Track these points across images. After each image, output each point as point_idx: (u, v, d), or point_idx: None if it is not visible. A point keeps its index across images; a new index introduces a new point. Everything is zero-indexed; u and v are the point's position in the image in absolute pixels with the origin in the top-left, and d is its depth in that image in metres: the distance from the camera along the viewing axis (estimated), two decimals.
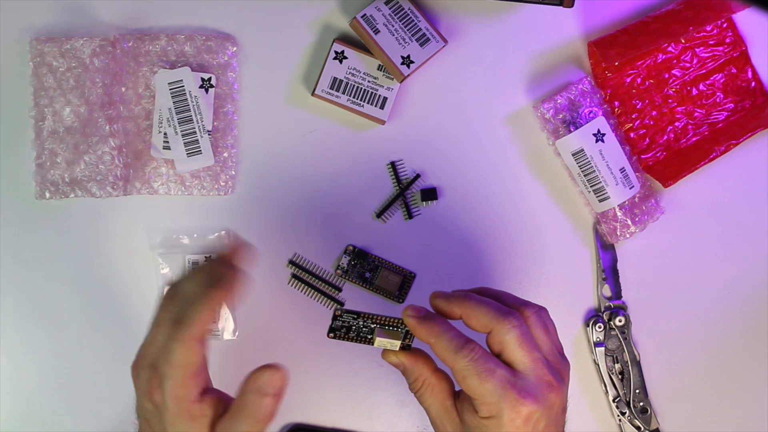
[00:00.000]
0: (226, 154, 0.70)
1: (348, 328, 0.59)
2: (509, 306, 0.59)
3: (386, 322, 0.59)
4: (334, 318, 0.59)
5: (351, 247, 0.71)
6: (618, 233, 0.72)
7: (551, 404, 0.57)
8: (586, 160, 0.70)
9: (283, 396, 0.56)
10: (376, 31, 0.69)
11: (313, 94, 0.70)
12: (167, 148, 0.69)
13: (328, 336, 0.59)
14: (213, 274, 0.57)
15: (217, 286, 0.56)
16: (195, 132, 0.69)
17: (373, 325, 0.59)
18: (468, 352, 0.56)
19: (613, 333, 0.73)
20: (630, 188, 0.71)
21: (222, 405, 0.56)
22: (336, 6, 0.71)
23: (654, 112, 0.73)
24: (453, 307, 0.59)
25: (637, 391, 0.72)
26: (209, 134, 0.69)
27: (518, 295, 0.68)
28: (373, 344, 0.59)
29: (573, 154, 0.70)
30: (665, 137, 0.74)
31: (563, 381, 0.59)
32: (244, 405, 0.55)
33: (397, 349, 0.59)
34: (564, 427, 0.59)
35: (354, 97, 0.70)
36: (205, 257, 0.70)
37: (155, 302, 0.57)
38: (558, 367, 0.59)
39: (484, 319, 0.57)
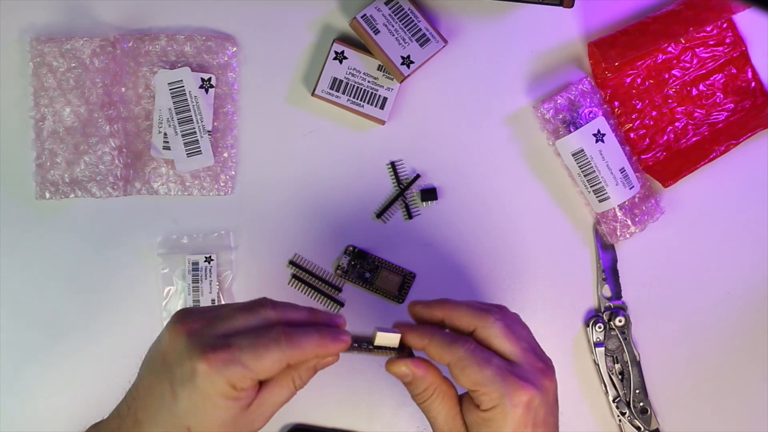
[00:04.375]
0: (226, 154, 0.70)
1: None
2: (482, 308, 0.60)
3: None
4: None
5: (351, 248, 0.71)
6: (618, 233, 0.72)
7: (547, 390, 0.58)
8: (586, 160, 0.70)
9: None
10: (376, 32, 0.69)
11: (313, 94, 0.70)
12: (167, 148, 0.69)
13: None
14: (321, 321, 0.57)
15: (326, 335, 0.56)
16: (195, 132, 0.69)
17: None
18: (463, 343, 0.57)
19: (613, 333, 0.73)
20: (630, 188, 0.71)
21: (257, 391, 0.56)
22: (336, 6, 0.71)
23: (654, 113, 0.73)
24: (434, 311, 0.60)
25: (637, 391, 0.72)
26: (209, 134, 0.69)
27: (518, 296, 0.69)
28: (373, 343, 0.58)
29: (573, 154, 0.70)
30: (665, 137, 0.74)
31: (552, 369, 0.59)
32: (295, 375, 0.56)
33: (396, 345, 0.58)
34: (558, 418, 0.60)
35: (354, 97, 0.70)
36: (205, 257, 0.70)
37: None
38: (544, 357, 0.60)
39: (467, 317, 0.59)
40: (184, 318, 0.55)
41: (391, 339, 0.58)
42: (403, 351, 0.59)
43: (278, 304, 0.56)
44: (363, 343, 0.58)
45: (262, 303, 0.56)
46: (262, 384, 0.55)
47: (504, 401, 0.56)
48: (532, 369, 0.58)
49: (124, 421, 0.56)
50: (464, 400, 0.59)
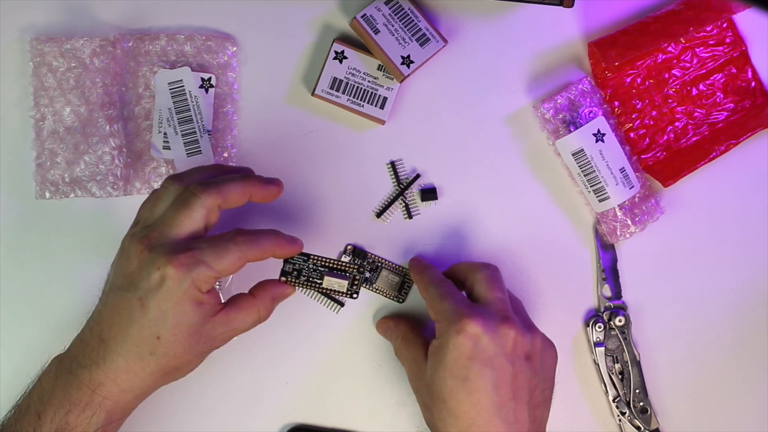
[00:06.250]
0: (226, 154, 0.70)
1: (299, 272, 0.65)
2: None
3: (335, 266, 0.66)
4: (286, 262, 0.65)
5: (350, 247, 0.71)
6: (618, 233, 0.72)
7: (504, 335, 0.60)
8: (586, 160, 0.70)
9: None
10: (376, 31, 0.69)
11: (313, 94, 0.70)
12: (167, 148, 0.69)
13: (279, 280, 0.65)
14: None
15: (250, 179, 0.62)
16: (195, 132, 0.69)
17: (322, 269, 0.65)
18: (440, 282, 0.64)
19: (613, 333, 0.73)
20: (630, 188, 0.71)
21: (220, 303, 0.61)
22: (336, 6, 0.71)
23: (654, 112, 0.74)
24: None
25: (637, 391, 0.72)
26: (209, 134, 0.69)
27: (518, 295, 0.69)
28: (322, 285, 0.65)
29: (573, 154, 0.70)
30: (665, 137, 0.74)
31: (528, 328, 0.62)
32: (260, 305, 0.62)
33: (345, 290, 0.66)
34: (539, 389, 0.62)
35: (354, 97, 0.70)
36: None
37: None
38: (528, 323, 0.63)
39: (463, 269, 0.66)
40: (137, 236, 0.59)
41: (338, 286, 0.66)
42: (355, 284, 0.66)
43: (206, 183, 0.60)
44: (315, 282, 0.65)
45: (192, 191, 0.59)
46: (229, 305, 0.61)
47: (450, 328, 0.60)
48: (495, 312, 0.61)
49: (88, 344, 0.59)
50: (432, 348, 0.62)
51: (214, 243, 0.58)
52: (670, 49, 0.73)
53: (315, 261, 0.65)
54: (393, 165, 0.72)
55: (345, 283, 0.66)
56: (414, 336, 0.67)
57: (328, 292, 0.66)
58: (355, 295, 0.66)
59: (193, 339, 0.58)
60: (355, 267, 0.66)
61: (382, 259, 0.72)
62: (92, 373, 0.58)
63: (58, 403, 0.58)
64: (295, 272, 0.65)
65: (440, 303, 0.62)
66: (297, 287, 0.65)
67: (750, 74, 0.74)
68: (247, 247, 0.59)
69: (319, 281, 0.66)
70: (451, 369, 0.59)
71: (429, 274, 0.66)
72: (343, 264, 0.66)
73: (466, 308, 0.61)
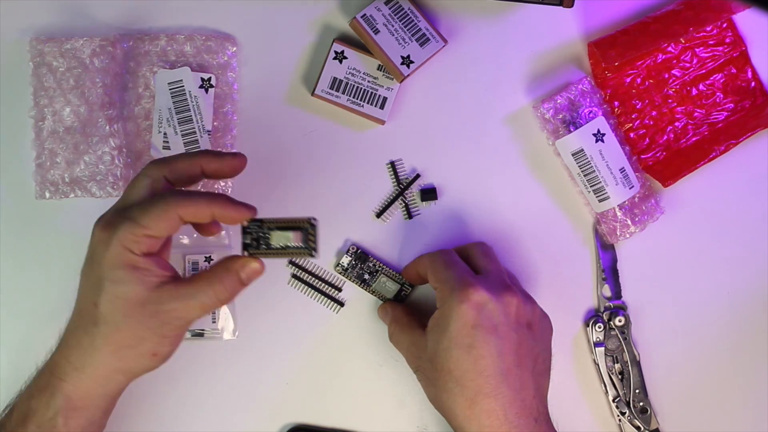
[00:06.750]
0: None
1: (257, 241, 0.58)
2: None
3: (288, 225, 0.59)
4: (244, 233, 0.58)
5: (354, 248, 0.71)
6: (618, 233, 0.72)
7: (507, 303, 0.61)
8: (586, 160, 0.70)
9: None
10: (376, 31, 0.69)
11: (313, 94, 0.70)
12: (167, 148, 0.69)
13: (242, 253, 0.58)
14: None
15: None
16: (195, 132, 0.69)
17: (275, 230, 0.59)
18: (446, 252, 0.65)
19: (613, 333, 0.73)
20: (630, 188, 0.71)
21: (173, 275, 0.56)
22: (336, 6, 0.71)
23: (654, 112, 0.73)
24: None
25: (637, 391, 0.72)
26: (209, 134, 0.69)
27: None
28: (271, 242, 0.58)
29: (573, 154, 0.70)
30: (665, 137, 0.74)
31: (528, 298, 0.63)
32: (216, 280, 0.56)
33: (298, 244, 0.58)
34: (541, 357, 0.63)
35: (354, 97, 0.70)
36: (205, 257, 0.70)
37: None
38: (526, 293, 0.64)
39: (463, 248, 0.67)
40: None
41: (285, 238, 0.58)
42: (311, 240, 0.59)
43: (165, 159, 0.58)
44: (271, 246, 0.58)
45: (147, 166, 0.57)
46: (182, 279, 0.56)
47: (453, 296, 0.59)
48: (496, 281, 0.62)
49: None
50: (430, 322, 0.62)
51: (144, 200, 0.55)
52: (670, 49, 0.73)
53: (269, 225, 0.59)
54: (393, 165, 0.72)
55: (291, 234, 0.58)
56: (408, 319, 0.67)
57: (285, 252, 0.59)
58: (314, 253, 0.59)
59: (135, 309, 0.54)
60: (307, 221, 0.59)
61: (383, 263, 0.71)
62: (51, 357, 0.58)
63: (26, 392, 0.59)
64: (254, 242, 0.59)
65: (444, 271, 0.61)
66: (261, 258, 0.59)
67: (750, 74, 0.74)
68: (176, 200, 0.54)
69: (271, 244, 0.59)
70: (456, 338, 0.59)
71: (432, 254, 0.67)
72: (296, 220, 0.59)
73: (470, 277, 0.61)
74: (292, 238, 0.58)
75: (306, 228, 0.59)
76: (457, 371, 0.59)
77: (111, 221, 0.55)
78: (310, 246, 0.58)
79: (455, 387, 0.59)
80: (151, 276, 0.55)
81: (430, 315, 0.63)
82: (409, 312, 0.68)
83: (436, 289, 0.62)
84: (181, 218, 0.55)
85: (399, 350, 0.67)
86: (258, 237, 0.59)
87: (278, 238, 0.58)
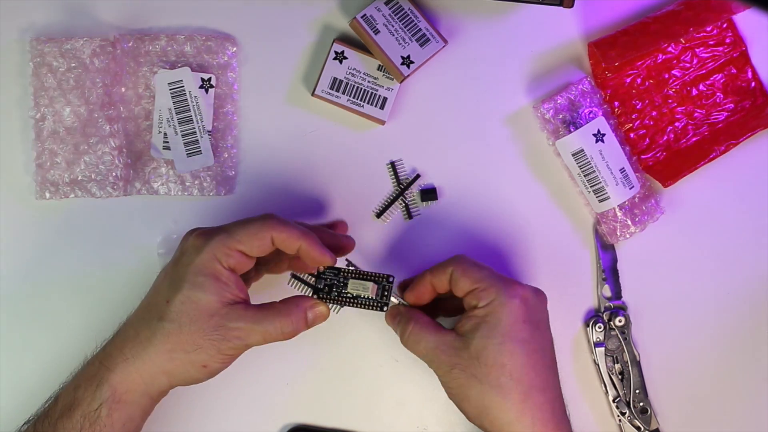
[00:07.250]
0: (226, 155, 0.70)
1: (330, 287, 0.62)
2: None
3: (364, 275, 0.63)
4: (317, 278, 0.63)
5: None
6: (618, 233, 0.72)
7: (543, 301, 0.64)
8: (586, 160, 0.70)
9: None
10: (376, 31, 0.69)
11: (313, 94, 0.70)
12: (167, 148, 0.69)
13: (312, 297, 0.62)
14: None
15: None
16: (195, 132, 0.69)
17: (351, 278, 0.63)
18: (463, 256, 0.64)
19: (613, 333, 0.73)
20: (630, 188, 0.71)
21: (247, 299, 0.59)
22: (336, 6, 0.71)
23: (654, 112, 0.73)
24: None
25: (637, 391, 0.72)
26: (209, 134, 0.69)
27: None
28: (347, 291, 0.63)
29: (573, 154, 0.70)
30: (665, 137, 0.74)
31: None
32: (284, 314, 0.59)
33: (373, 295, 0.62)
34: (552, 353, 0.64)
35: (354, 97, 0.70)
36: None
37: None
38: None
39: (446, 261, 0.64)
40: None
41: (363, 287, 0.62)
42: (382, 307, 0.63)
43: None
44: (344, 295, 0.62)
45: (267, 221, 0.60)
46: (256, 306, 0.59)
47: (501, 293, 0.60)
48: (510, 281, 0.63)
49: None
50: (458, 321, 0.62)
51: (243, 219, 0.60)
52: (670, 49, 0.73)
53: (345, 274, 0.62)
54: (393, 165, 0.72)
55: (369, 285, 0.62)
56: (429, 320, 0.64)
57: (356, 302, 0.63)
58: (385, 308, 0.63)
59: (203, 317, 0.57)
60: (385, 277, 0.62)
61: (351, 268, 0.65)
62: (104, 348, 0.60)
63: (72, 382, 0.60)
64: (326, 288, 0.62)
65: (479, 270, 0.62)
66: (330, 304, 0.63)
67: (750, 74, 0.74)
68: (272, 223, 0.59)
69: (345, 291, 0.62)
70: (509, 333, 0.59)
71: (437, 265, 0.64)
72: (375, 275, 0.62)
73: (505, 277, 0.63)
74: (369, 289, 0.62)
75: (384, 284, 0.63)
76: (512, 365, 0.59)
77: (208, 231, 0.59)
78: (383, 301, 0.62)
79: (509, 381, 0.59)
80: (228, 291, 0.57)
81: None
82: (425, 314, 0.66)
83: (475, 290, 0.61)
84: (272, 241, 0.59)
85: (418, 352, 0.63)
86: (331, 284, 0.62)
87: (355, 287, 0.62)
